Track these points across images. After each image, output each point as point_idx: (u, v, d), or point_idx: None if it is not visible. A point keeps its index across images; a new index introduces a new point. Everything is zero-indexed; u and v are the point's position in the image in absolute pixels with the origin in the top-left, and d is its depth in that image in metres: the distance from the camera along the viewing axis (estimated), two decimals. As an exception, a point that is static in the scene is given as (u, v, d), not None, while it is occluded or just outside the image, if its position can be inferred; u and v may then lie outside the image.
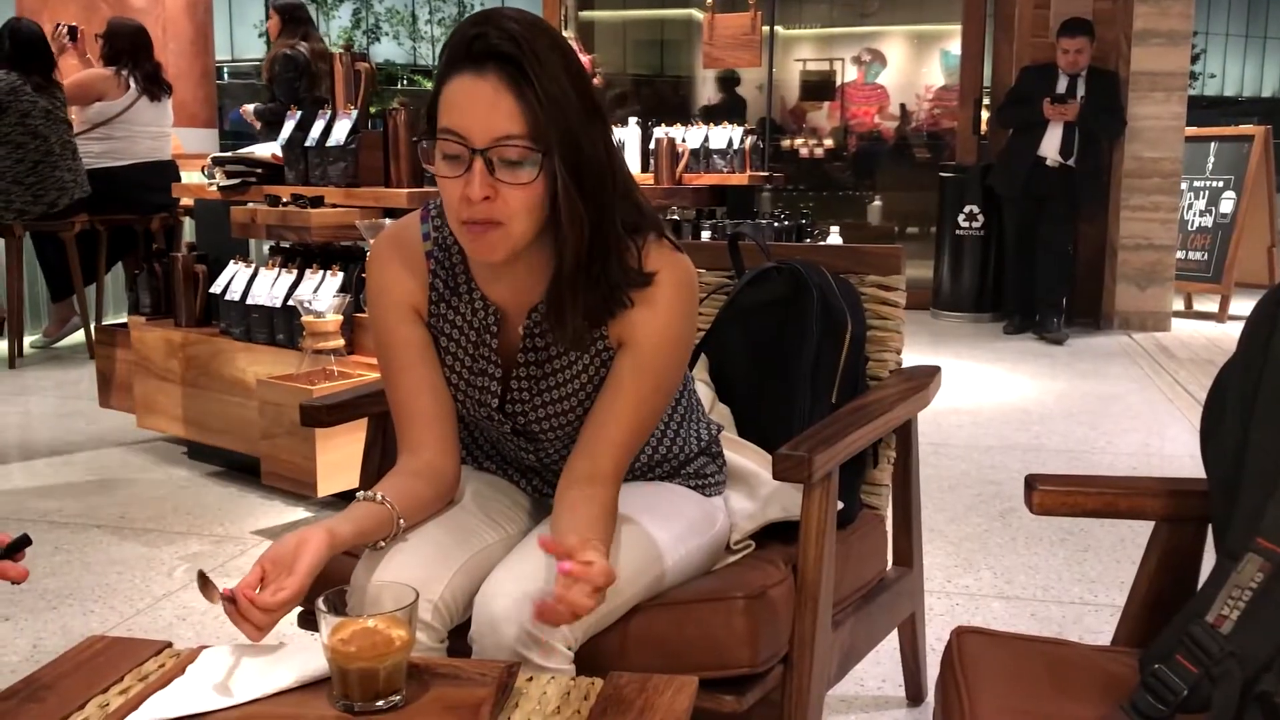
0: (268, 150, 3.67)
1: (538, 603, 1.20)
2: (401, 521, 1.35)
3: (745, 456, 1.72)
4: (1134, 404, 4.68)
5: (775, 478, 1.44)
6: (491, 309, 1.44)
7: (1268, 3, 29.10)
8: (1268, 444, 1.05)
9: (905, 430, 1.90)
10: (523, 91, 1.27)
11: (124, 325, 3.93)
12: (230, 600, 1.18)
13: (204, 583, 1.20)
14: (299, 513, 3.28)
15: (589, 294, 1.35)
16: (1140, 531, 1.34)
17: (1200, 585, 1.17)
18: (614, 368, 1.41)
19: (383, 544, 1.35)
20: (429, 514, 1.42)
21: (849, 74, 11.54)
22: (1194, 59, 6.53)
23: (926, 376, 1.86)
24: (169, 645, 1.27)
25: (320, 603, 1.12)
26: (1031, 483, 1.33)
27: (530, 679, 1.20)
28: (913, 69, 11.65)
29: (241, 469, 3.55)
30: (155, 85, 5.54)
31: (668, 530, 1.46)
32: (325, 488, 2.94)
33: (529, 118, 1.27)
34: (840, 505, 1.63)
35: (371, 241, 1.69)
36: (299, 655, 1.17)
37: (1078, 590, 2.73)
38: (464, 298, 1.46)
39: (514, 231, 1.31)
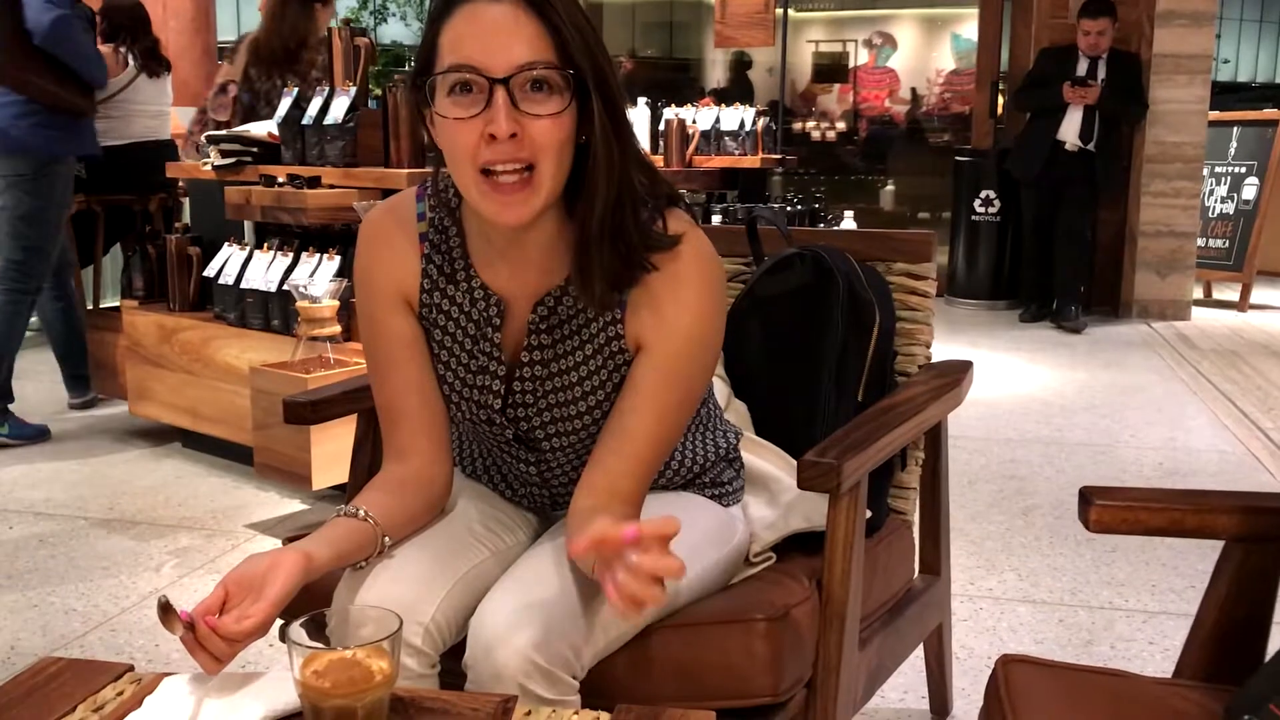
0: (264, 128, 3.54)
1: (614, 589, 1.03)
2: (386, 539, 1.22)
3: (765, 459, 1.59)
4: (1157, 396, 4.54)
5: (800, 487, 1.31)
6: (494, 299, 1.28)
7: (1284, -13, 28.74)
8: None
9: (935, 430, 1.77)
10: (546, 16, 1.12)
11: (116, 309, 3.81)
12: (189, 627, 1.04)
13: (165, 612, 1.04)
14: (294, 505, 3.16)
15: (610, 253, 1.19)
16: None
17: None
18: (633, 373, 1.25)
19: (364, 564, 1.22)
20: (417, 528, 1.29)
21: (860, 57, 11.37)
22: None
23: (959, 372, 1.73)
24: (130, 669, 1.15)
25: (291, 631, 1.00)
26: (1088, 497, 1.18)
27: (529, 713, 1.07)
28: (923, 53, 11.46)
29: (237, 458, 3.43)
30: (154, 61, 5.38)
31: (682, 542, 1.31)
32: (320, 480, 2.82)
33: (556, 45, 1.12)
34: (868, 514, 1.50)
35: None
36: (268, 688, 1.04)
37: (1106, 594, 2.60)
38: (461, 286, 1.30)
39: (545, 177, 1.14)
